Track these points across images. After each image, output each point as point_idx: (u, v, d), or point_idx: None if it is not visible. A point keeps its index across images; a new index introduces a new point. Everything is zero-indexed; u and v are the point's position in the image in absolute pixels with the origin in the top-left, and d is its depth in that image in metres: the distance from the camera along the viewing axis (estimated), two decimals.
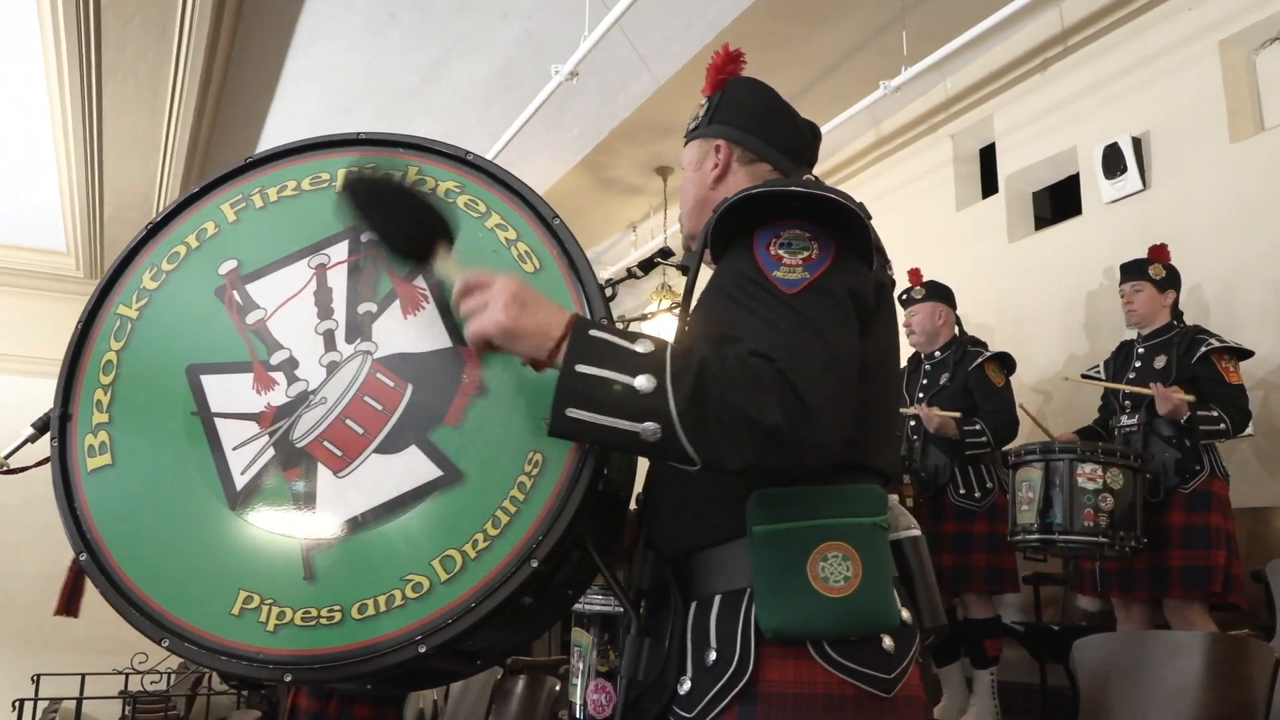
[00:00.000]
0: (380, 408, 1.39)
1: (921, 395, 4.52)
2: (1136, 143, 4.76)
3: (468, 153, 1.52)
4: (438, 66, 5.08)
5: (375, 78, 5.20)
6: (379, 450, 1.37)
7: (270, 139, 5.95)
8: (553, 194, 6.92)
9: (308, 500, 1.36)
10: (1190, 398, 3.51)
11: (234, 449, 1.40)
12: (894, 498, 1.57)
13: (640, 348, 1.17)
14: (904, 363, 4.75)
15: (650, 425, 1.14)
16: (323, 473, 1.37)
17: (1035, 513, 3.43)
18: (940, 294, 4.50)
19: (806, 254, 1.27)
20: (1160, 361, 3.72)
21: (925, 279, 4.53)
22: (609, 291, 1.62)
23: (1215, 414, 3.51)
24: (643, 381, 1.14)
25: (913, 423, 4.46)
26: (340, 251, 1.48)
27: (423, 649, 1.27)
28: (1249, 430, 4.15)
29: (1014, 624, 4.46)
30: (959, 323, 4.53)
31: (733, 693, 1.21)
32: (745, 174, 1.55)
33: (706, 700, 1.23)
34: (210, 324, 1.47)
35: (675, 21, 4.81)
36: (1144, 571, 3.54)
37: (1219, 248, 4.41)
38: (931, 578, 1.48)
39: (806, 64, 5.67)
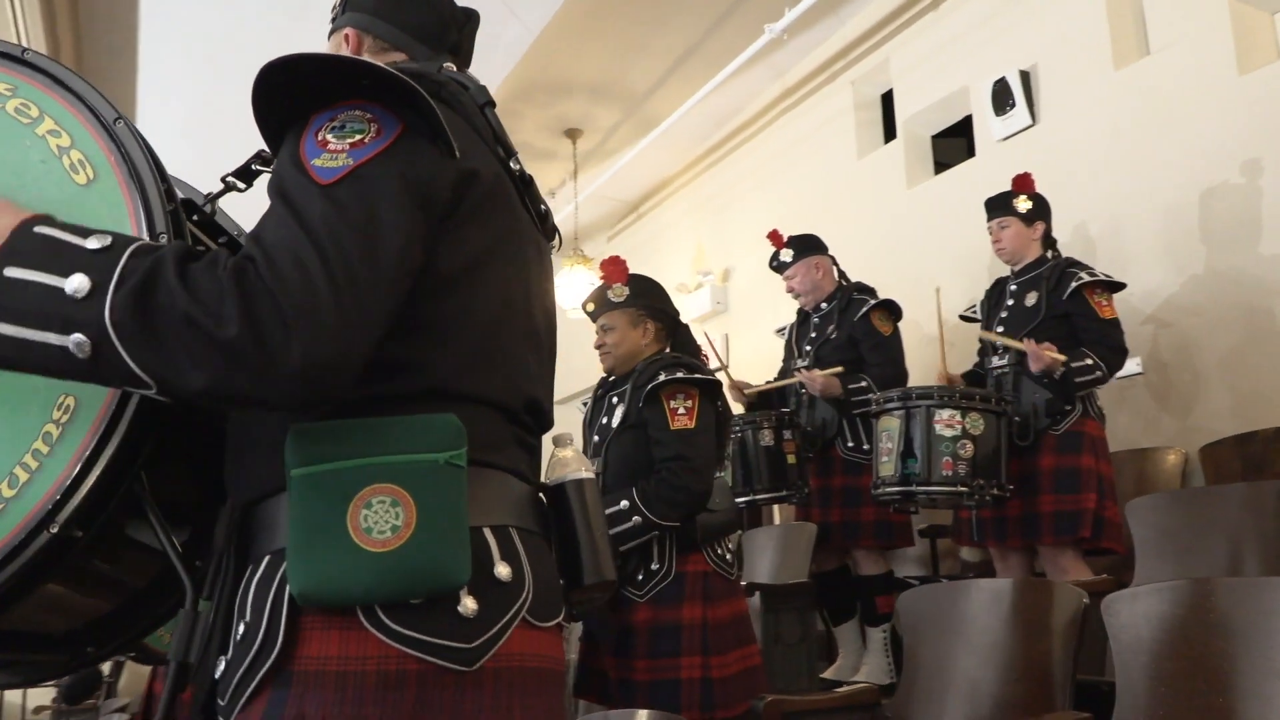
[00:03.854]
0: None
1: (809, 348, 4.30)
2: (1024, 76, 4.52)
3: (25, 49, 1.27)
4: (302, 8, 4.79)
5: (242, 26, 4.91)
6: None
7: (146, 104, 5.66)
8: None
9: None
10: (1062, 358, 3.26)
11: None
12: (570, 434, 1.35)
13: (93, 244, 0.92)
14: (792, 318, 4.53)
15: (77, 339, 0.89)
16: None
17: (895, 463, 3.21)
18: (810, 247, 4.25)
19: (359, 137, 1.03)
20: (1031, 299, 3.48)
21: (788, 237, 4.28)
22: (209, 209, 1.38)
23: (1090, 362, 3.27)
24: (76, 282, 0.90)
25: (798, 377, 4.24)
26: None
27: None
28: (1138, 369, 3.95)
29: (909, 578, 4.26)
30: (837, 266, 4.30)
31: (260, 672, 0.97)
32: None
33: (234, 683, 0.99)
34: None
35: None
36: (1016, 519, 3.33)
37: (1108, 180, 4.18)
38: (597, 528, 1.24)
39: (697, 13, 5.40)
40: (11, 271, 0.92)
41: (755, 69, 5.82)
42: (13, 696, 7.50)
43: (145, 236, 1.13)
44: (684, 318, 7.19)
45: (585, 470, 1.27)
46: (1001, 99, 4.56)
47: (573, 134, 6.71)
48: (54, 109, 1.23)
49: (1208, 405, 3.75)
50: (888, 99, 5.60)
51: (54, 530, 1.03)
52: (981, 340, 3.73)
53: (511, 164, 1.23)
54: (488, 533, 1.05)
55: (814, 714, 2.20)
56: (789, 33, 5.14)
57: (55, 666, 1.39)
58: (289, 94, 1.05)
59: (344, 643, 0.97)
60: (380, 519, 0.97)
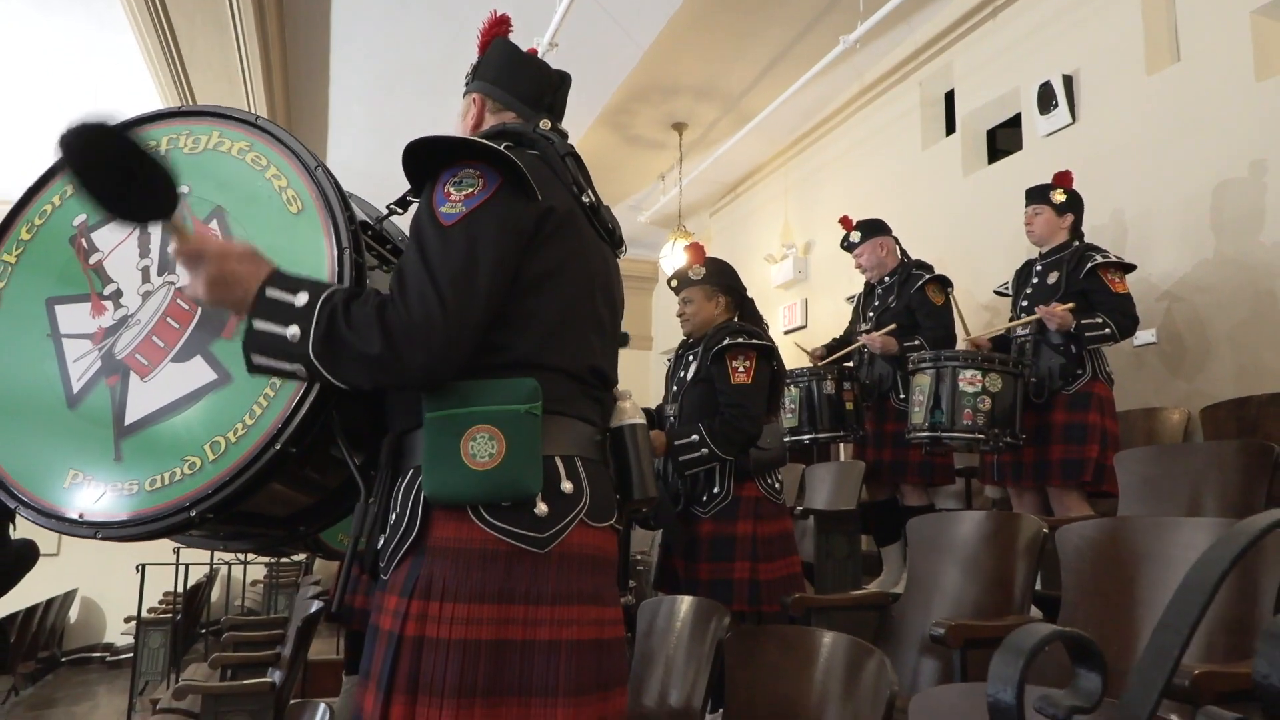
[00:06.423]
0: (177, 326, 1.51)
1: (872, 315, 4.46)
2: (1067, 80, 4.50)
3: (258, 117, 1.60)
4: (455, 44, 5.13)
5: (404, 59, 5.28)
6: (174, 360, 1.49)
7: (336, 110, 6.13)
8: (583, 150, 6.93)
9: (122, 399, 1.49)
10: (1071, 316, 3.37)
11: (74, 361, 1.54)
12: (629, 391, 1.59)
13: (300, 301, 1.25)
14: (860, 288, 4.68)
15: (299, 367, 1.24)
16: (133, 378, 1.49)
17: (924, 413, 3.38)
18: (875, 229, 4.37)
19: (471, 189, 1.30)
20: (1053, 278, 3.57)
21: (856, 221, 4.42)
22: (378, 226, 1.69)
23: (1099, 320, 3.36)
24: (292, 330, 1.23)
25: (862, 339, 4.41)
26: None
27: (192, 513, 1.39)
28: (1152, 338, 3.99)
29: (948, 509, 4.42)
30: (900, 245, 4.42)
31: (406, 546, 1.28)
32: (494, 121, 1.57)
33: (389, 553, 1.31)
34: (65, 265, 1.61)
35: None
36: (1030, 464, 3.47)
37: (1137, 173, 4.17)
38: (645, 458, 1.51)
39: (785, 24, 5.51)
40: (259, 325, 1.26)
41: (837, 71, 5.88)
42: (237, 571, 8.38)
43: (334, 250, 1.46)
44: (770, 284, 7.38)
45: (638, 417, 1.54)
46: (1045, 99, 4.56)
47: (679, 127, 6.90)
48: (276, 159, 1.57)
49: (1213, 372, 3.78)
50: (950, 97, 5.61)
51: (278, 448, 1.38)
52: (1012, 306, 3.84)
53: (583, 198, 1.48)
54: (558, 460, 1.32)
55: (833, 610, 2.45)
56: (866, 40, 5.20)
57: (277, 540, 1.77)
58: (425, 159, 1.35)
59: (459, 529, 1.26)
60: (482, 448, 1.26)
